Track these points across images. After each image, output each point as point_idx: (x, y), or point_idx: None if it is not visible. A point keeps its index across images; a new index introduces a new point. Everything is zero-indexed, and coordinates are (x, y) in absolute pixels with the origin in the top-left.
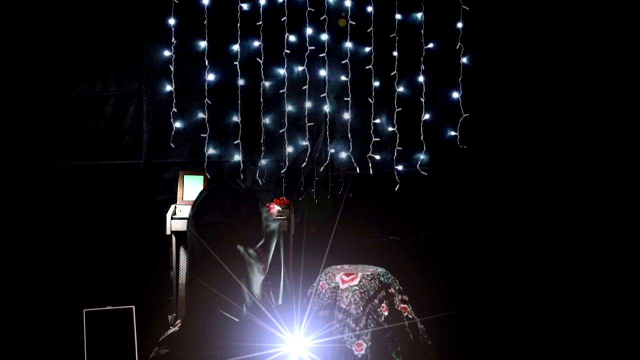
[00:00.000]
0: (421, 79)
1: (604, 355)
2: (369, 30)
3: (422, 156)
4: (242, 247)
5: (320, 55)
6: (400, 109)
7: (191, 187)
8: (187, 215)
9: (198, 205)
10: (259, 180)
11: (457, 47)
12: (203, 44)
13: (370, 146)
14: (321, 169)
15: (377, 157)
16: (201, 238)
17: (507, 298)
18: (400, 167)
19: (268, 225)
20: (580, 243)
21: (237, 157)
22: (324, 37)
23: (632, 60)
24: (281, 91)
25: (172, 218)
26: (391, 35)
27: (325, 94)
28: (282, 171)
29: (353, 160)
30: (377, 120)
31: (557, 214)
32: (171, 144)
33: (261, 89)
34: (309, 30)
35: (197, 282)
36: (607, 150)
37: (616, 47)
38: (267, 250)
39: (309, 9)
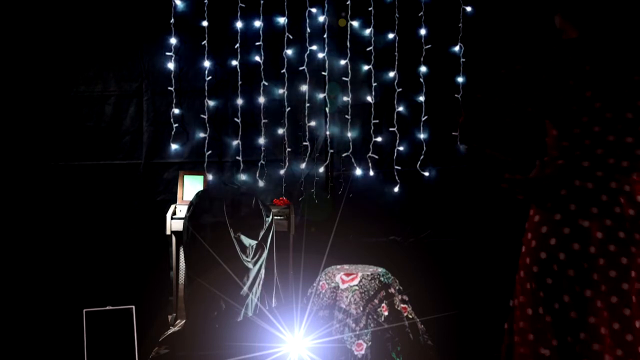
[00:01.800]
0: (422, 79)
1: None
2: (369, 30)
3: (422, 156)
4: (242, 246)
5: (321, 55)
6: (400, 108)
7: (191, 187)
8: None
9: (197, 206)
10: (259, 180)
11: (458, 46)
12: (203, 44)
13: (370, 146)
14: (321, 169)
15: (377, 157)
16: (201, 238)
17: (507, 298)
18: (400, 167)
19: (266, 222)
20: None
21: (237, 157)
22: (325, 37)
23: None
24: (281, 91)
25: (172, 218)
26: (391, 35)
27: (325, 94)
28: (282, 171)
29: (353, 160)
30: (377, 121)
31: None
32: (171, 144)
33: (261, 88)
34: (309, 30)
35: (197, 282)
36: None
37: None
38: (264, 249)
39: (309, 9)
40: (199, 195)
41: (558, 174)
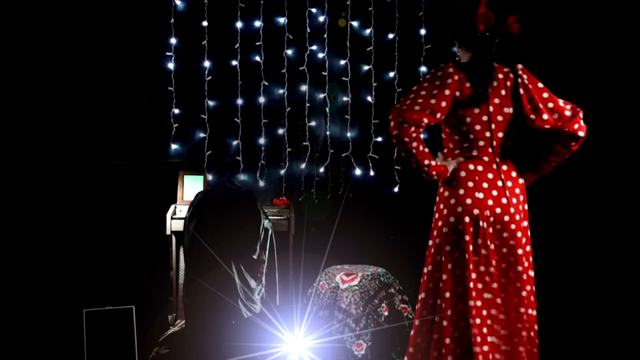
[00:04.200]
0: (421, 78)
1: (604, 354)
2: (369, 30)
3: None
4: (243, 247)
5: (321, 55)
6: None
7: (191, 187)
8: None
9: (197, 206)
10: (259, 180)
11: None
12: (203, 44)
13: (370, 146)
14: (321, 169)
15: (377, 157)
16: (202, 238)
17: None
18: (400, 167)
19: (263, 224)
20: (578, 242)
21: (237, 157)
22: (324, 36)
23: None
24: (281, 91)
25: (172, 218)
26: (391, 35)
27: (325, 94)
28: (282, 171)
29: (353, 160)
30: (377, 120)
31: (554, 212)
32: (171, 144)
33: (261, 88)
34: (309, 30)
35: (197, 282)
36: (605, 149)
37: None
38: (264, 249)
39: (309, 9)
40: (198, 195)
41: (459, 161)
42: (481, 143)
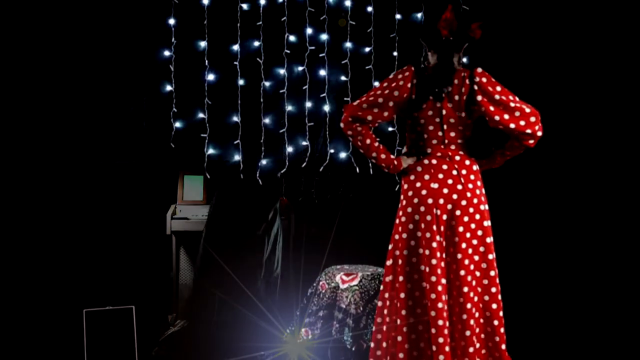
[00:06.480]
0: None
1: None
2: (369, 30)
3: None
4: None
5: (320, 55)
6: None
7: (191, 187)
8: (187, 216)
9: (216, 206)
10: (259, 180)
11: None
12: (203, 44)
13: None
14: (321, 169)
15: None
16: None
17: (506, 298)
18: None
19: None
20: (579, 243)
21: (237, 157)
22: (324, 37)
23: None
24: (281, 91)
25: (172, 218)
26: (391, 35)
27: (325, 94)
28: (282, 171)
29: (353, 160)
30: None
31: (552, 212)
32: (171, 144)
33: (261, 89)
34: (309, 30)
35: (206, 282)
36: (609, 149)
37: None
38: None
39: (309, 9)
40: (219, 194)
41: (416, 158)
42: (434, 142)
